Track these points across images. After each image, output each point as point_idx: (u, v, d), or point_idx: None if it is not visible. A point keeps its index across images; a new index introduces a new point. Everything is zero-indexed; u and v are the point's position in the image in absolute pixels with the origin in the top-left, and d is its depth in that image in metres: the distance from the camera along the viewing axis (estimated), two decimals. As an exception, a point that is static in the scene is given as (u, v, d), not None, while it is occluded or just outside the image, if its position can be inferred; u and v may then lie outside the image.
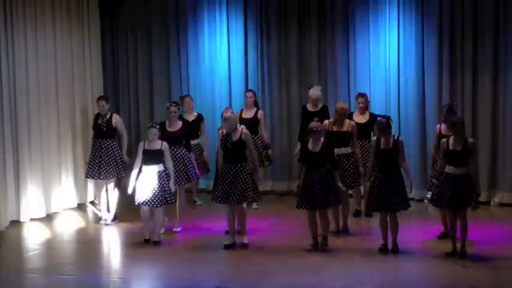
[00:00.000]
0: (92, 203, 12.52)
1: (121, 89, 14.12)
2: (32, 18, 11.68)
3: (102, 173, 10.99)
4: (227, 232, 9.98)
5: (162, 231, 10.26)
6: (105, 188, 11.15)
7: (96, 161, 11.03)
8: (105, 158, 10.99)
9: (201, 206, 12.26)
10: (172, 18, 13.74)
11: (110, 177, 11.03)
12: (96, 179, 11.14)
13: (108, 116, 11.08)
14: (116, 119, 11.14)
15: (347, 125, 10.27)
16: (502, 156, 12.20)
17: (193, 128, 11.57)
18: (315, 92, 11.51)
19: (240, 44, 13.47)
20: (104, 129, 11.04)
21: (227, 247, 9.62)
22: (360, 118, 11.21)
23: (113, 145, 11.07)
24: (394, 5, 12.62)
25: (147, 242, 9.92)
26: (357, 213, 11.23)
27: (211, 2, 13.56)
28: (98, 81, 13.19)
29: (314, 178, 9.31)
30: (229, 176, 9.48)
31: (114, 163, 11.02)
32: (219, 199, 9.58)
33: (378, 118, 9.51)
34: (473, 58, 12.24)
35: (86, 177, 11.34)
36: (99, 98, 11.34)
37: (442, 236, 9.87)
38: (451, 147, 9.02)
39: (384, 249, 9.35)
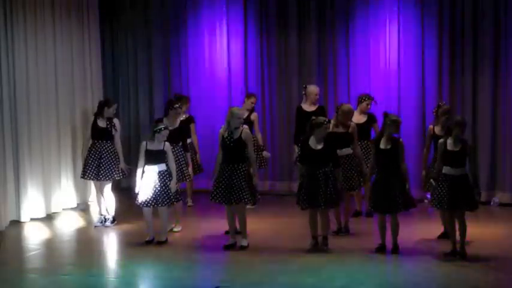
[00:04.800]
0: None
1: (121, 90, 14.12)
2: (32, 20, 11.67)
3: (101, 174, 10.95)
4: (227, 232, 9.98)
5: (168, 229, 10.31)
6: (101, 190, 11.11)
7: (95, 162, 10.99)
8: (105, 159, 10.94)
9: (192, 207, 12.23)
10: (172, 18, 13.75)
11: (108, 179, 11.00)
12: (94, 180, 11.11)
13: (111, 119, 11.04)
14: (116, 123, 11.10)
15: (348, 126, 10.27)
16: (502, 156, 12.21)
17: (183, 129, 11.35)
18: (315, 87, 11.51)
19: (240, 44, 13.47)
20: (112, 132, 10.97)
21: (227, 247, 9.62)
22: (359, 118, 11.20)
23: (113, 147, 11.04)
24: (394, 5, 12.63)
25: (148, 243, 9.91)
26: (357, 214, 11.23)
27: (211, 2, 13.57)
28: (98, 82, 13.19)
29: (317, 177, 9.30)
30: (226, 176, 9.46)
31: (114, 165, 10.99)
32: (218, 199, 9.57)
33: (391, 115, 9.38)
34: (474, 58, 12.25)
35: (82, 178, 11.22)
36: (113, 102, 11.21)
37: (442, 236, 9.87)
38: (449, 147, 9.01)
39: (381, 249, 9.35)
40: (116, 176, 11.02)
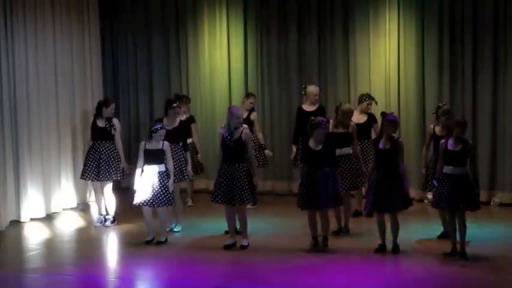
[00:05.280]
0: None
1: (121, 89, 14.12)
2: (32, 19, 11.68)
3: (101, 174, 10.95)
4: (226, 232, 9.98)
5: (168, 229, 10.32)
6: (101, 190, 11.11)
7: (95, 162, 10.99)
8: (105, 159, 10.94)
9: (192, 207, 12.23)
10: (172, 18, 13.75)
11: (108, 179, 10.99)
12: (94, 180, 11.10)
13: (110, 119, 11.03)
14: (116, 123, 11.10)
15: (348, 125, 10.27)
16: (502, 156, 12.20)
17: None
18: (315, 87, 11.51)
19: (240, 44, 13.47)
20: (112, 132, 10.98)
21: (227, 247, 9.62)
22: (359, 118, 11.20)
23: (113, 147, 11.03)
24: (394, 5, 12.63)
25: (148, 243, 9.90)
26: (357, 214, 11.23)
27: (211, 2, 13.57)
28: (97, 82, 13.18)
29: (317, 178, 9.29)
30: (227, 176, 9.46)
31: (114, 165, 10.98)
32: (219, 200, 9.57)
33: (388, 115, 9.37)
34: (473, 58, 12.25)
35: (82, 178, 11.22)
36: (111, 101, 11.17)
37: (442, 236, 9.87)
38: (449, 147, 9.02)
39: (380, 249, 9.34)
40: (115, 176, 11.00)
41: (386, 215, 9.32)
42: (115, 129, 10.99)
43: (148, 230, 10.00)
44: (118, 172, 11.01)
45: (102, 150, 10.95)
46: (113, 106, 11.07)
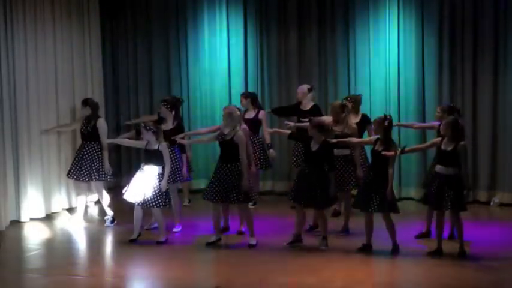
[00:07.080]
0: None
1: (121, 90, 14.11)
2: (32, 19, 11.66)
3: (82, 174, 11.00)
4: (224, 230, 10.01)
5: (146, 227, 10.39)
6: (97, 190, 11.17)
7: (78, 162, 11.05)
8: (87, 160, 10.99)
9: (191, 207, 12.22)
10: (172, 18, 13.74)
11: (90, 180, 11.03)
12: (76, 180, 11.15)
13: (93, 120, 11.06)
14: (101, 124, 11.11)
15: (346, 126, 10.23)
16: (502, 156, 12.21)
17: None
18: (300, 86, 11.50)
19: (240, 44, 13.47)
20: (91, 130, 11.02)
21: (210, 244, 9.62)
22: (351, 118, 11.15)
23: (96, 148, 11.05)
24: (394, 5, 12.63)
25: (132, 241, 9.90)
26: (337, 214, 11.13)
27: (211, 2, 13.57)
28: (98, 82, 13.18)
29: (311, 177, 9.31)
30: (221, 174, 9.50)
31: (96, 166, 10.99)
32: (210, 197, 9.57)
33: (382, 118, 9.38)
34: (474, 58, 12.26)
35: (67, 176, 11.32)
36: (87, 103, 11.24)
37: (422, 236, 9.87)
38: (442, 147, 9.06)
39: (363, 249, 9.31)
40: (98, 177, 11.00)
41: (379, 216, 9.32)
42: (90, 129, 10.99)
43: (135, 228, 9.97)
44: (101, 173, 11.02)
45: (85, 151, 11.02)
46: (86, 109, 11.08)
